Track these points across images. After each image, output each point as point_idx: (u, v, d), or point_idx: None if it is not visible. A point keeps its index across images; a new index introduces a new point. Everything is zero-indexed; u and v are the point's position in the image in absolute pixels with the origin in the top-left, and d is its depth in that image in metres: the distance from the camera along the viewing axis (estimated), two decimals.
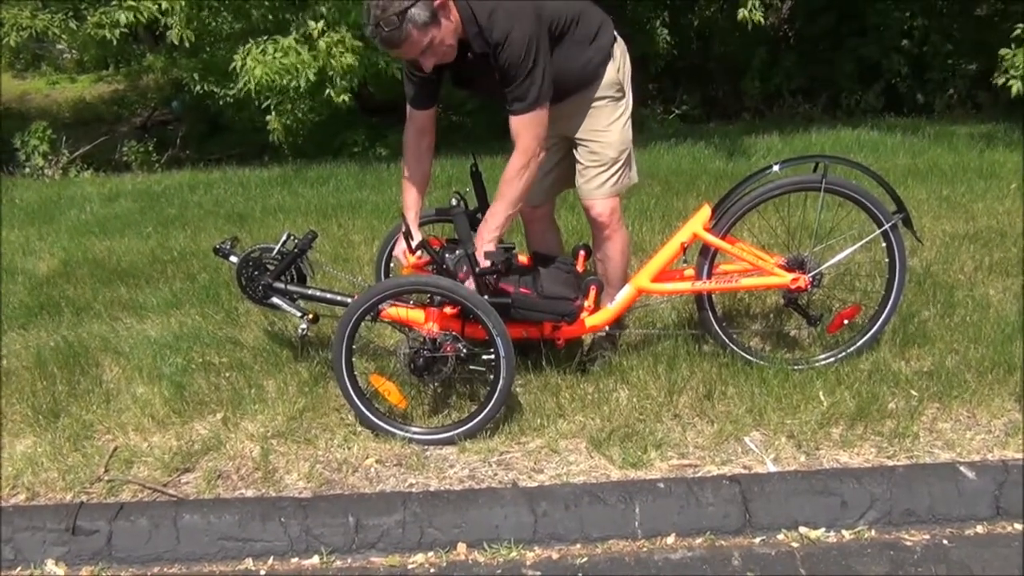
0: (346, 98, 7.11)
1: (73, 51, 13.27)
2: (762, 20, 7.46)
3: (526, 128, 2.81)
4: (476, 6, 2.72)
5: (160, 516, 2.51)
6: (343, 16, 6.99)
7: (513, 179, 2.85)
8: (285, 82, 6.89)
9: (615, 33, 3.08)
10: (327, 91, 7.08)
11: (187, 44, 7.55)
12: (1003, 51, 6.94)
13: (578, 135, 3.08)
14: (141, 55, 11.62)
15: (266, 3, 7.66)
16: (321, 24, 6.85)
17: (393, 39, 2.64)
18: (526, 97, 2.77)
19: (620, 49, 3.08)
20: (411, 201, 3.12)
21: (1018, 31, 6.81)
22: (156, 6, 7.36)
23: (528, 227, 3.43)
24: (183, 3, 7.41)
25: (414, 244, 2.99)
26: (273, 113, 7.40)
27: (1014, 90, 6.79)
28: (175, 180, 7.29)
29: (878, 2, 9.43)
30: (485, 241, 2.88)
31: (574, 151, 3.14)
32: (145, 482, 2.71)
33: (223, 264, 3.79)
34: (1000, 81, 6.97)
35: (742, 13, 7.32)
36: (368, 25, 2.67)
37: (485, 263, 2.84)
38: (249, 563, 2.46)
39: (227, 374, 3.31)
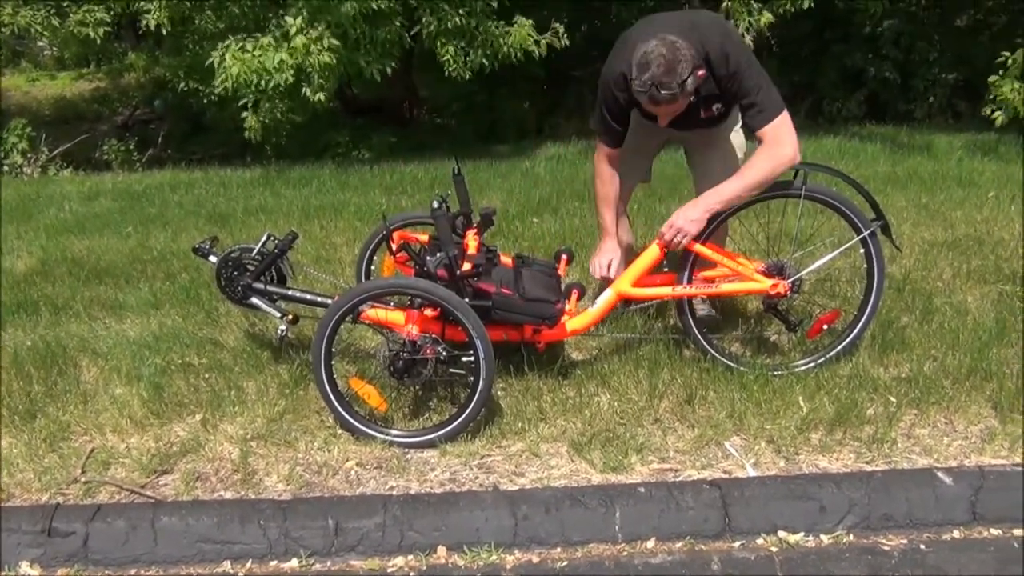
0: (322, 96, 7.04)
1: (54, 48, 13.16)
2: (751, 44, 7.62)
3: (783, 135, 2.91)
4: (712, 52, 2.85)
5: (137, 518, 2.48)
6: (321, 13, 6.94)
7: (760, 167, 2.93)
8: (263, 83, 6.84)
9: None
10: (304, 90, 7.04)
11: (164, 32, 7.47)
12: (992, 79, 7.01)
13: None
14: (123, 53, 11.55)
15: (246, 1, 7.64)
16: (299, 21, 6.80)
17: (663, 100, 2.79)
18: (768, 104, 2.91)
19: None
20: (610, 220, 3.29)
21: (1003, 58, 6.91)
22: None
23: None
24: None
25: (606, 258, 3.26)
26: (249, 110, 7.34)
27: (998, 120, 6.93)
28: (156, 179, 7.24)
29: (863, 10, 9.48)
30: (704, 209, 2.97)
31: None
32: (122, 483, 2.68)
33: (204, 264, 3.77)
34: (987, 112, 7.09)
35: None
36: (642, 79, 2.75)
37: (466, 266, 2.84)
38: (227, 566, 2.44)
39: (206, 375, 3.29)
